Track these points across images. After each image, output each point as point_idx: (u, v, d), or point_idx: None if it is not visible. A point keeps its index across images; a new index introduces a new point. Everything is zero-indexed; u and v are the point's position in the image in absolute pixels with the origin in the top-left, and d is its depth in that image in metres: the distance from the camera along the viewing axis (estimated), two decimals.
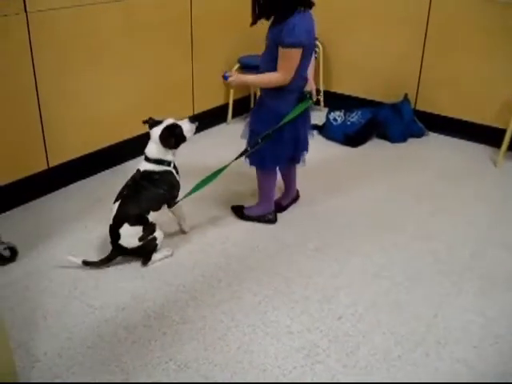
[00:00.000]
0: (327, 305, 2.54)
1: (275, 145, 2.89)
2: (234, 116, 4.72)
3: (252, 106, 5.00)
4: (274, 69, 2.78)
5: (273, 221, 3.19)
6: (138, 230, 2.71)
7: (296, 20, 2.66)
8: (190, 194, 2.88)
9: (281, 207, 3.30)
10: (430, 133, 4.55)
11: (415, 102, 4.59)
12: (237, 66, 4.52)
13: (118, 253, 2.76)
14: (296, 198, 3.40)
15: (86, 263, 2.72)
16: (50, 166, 3.41)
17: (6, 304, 2.44)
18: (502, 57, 4.09)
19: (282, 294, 2.60)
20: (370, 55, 4.69)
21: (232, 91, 4.61)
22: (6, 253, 2.76)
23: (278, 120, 2.85)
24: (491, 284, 2.72)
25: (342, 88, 4.98)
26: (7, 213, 3.21)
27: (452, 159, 4.12)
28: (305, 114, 2.94)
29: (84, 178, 3.64)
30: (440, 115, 4.50)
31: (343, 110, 4.44)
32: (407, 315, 2.48)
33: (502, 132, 4.04)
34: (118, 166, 3.83)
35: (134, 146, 3.91)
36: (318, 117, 4.60)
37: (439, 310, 2.52)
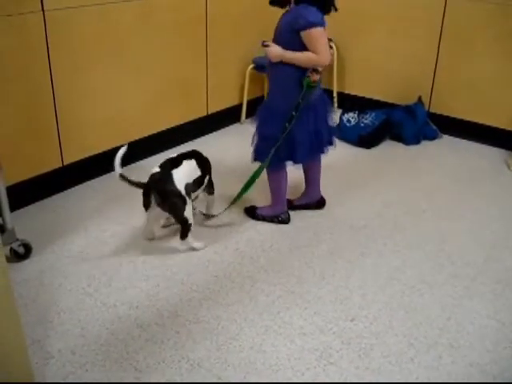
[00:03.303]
0: (340, 306, 2.54)
1: (263, 141, 2.95)
2: (247, 116, 4.72)
3: None
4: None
5: (286, 221, 3.19)
6: (195, 171, 2.87)
7: (310, 7, 2.67)
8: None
9: (291, 205, 3.29)
10: (443, 135, 4.54)
11: (429, 105, 4.57)
12: (251, 66, 4.53)
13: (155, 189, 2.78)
14: (318, 205, 3.35)
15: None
16: (65, 163, 3.43)
17: (20, 301, 2.46)
18: None
19: (295, 295, 2.60)
20: (383, 57, 4.68)
21: (246, 91, 4.61)
22: (21, 250, 2.78)
23: (281, 118, 2.85)
24: (505, 288, 2.70)
25: (355, 89, 4.97)
26: (22, 210, 3.23)
27: (466, 162, 4.11)
28: (303, 116, 2.88)
29: (98, 177, 3.65)
30: (454, 118, 4.49)
31: (357, 112, 4.43)
32: (420, 318, 2.48)
33: None
34: (133, 165, 3.83)
35: (149, 145, 3.95)
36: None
37: (452, 313, 2.51)
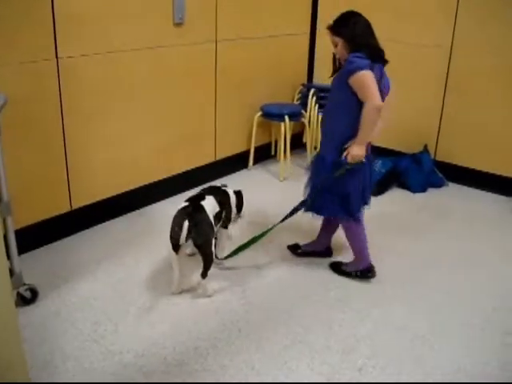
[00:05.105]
0: (348, 356, 2.51)
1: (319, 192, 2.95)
2: (255, 162, 4.77)
3: (273, 153, 5.06)
4: (339, 114, 2.84)
5: (372, 275, 3.13)
6: (215, 207, 2.95)
7: (357, 54, 2.72)
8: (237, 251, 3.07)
9: (296, 248, 3.35)
10: (449, 183, 4.55)
11: (435, 153, 4.61)
12: (259, 113, 4.59)
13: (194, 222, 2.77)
14: (324, 253, 3.35)
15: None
16: (73, 208, 3.45)
17: (26, 345, 2.42)
18: None
19: (303, 344, 2.58)
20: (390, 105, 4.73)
21: (254, 138, 4.67)
22: (27, 294, 2.78)
23: (328, 169, 2.88)
24: None
25: None
26: (29, 253, 3.23)
27: (472, 210, 4.11)
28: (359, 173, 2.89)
29: (107, 221, 3.67)
30: (460, 166, 4.51)
31: None
32: (429, 368, 2.44)
33: None
34: (141, 209, 3.86)
35: (157, 191, 3.97)
36: None
37: (462, 363, 2.48)
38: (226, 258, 3.11)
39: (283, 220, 3.11)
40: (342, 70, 2.81)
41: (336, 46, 2.83)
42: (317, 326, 2.72)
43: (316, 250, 3.35)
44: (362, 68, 2.67)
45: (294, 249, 3.36)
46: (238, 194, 3.33)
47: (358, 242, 3.11)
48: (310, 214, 3.08)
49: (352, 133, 2.79)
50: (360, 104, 2.73)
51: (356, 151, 2.78)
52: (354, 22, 2.79)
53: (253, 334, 2.64)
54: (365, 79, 2.67)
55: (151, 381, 2.31)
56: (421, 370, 2.43)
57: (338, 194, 2.91)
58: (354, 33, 2.76)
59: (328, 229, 3.29)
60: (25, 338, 2.49)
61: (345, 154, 2.80)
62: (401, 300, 2.96)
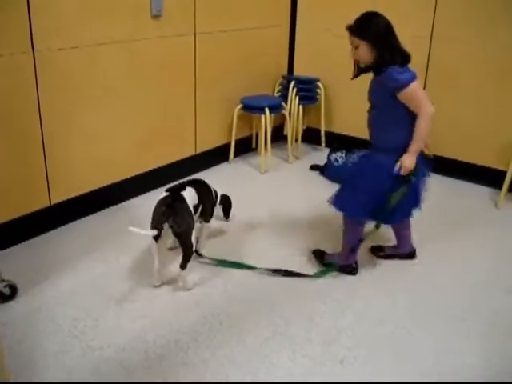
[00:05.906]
0: (329, 347, 2.51)
1: (355, 192, 2.90)
2: (235, 155, 4.76)
3: (254, 146, 5.05)
4: (390, 125, 2.81)
5: (354, 273, 3.11)
6: (195, 199, 2.93)
7: (395, 67, 2.69)
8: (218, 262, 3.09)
9: (379, 250, 3.31)
10: (431, 174, 4.56)
11: None
12: (239, 106, 4.57)
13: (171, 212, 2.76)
14: (407, 256, 3.28)
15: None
16: (53, 203, 3.42)
17: (5, 342, 2.41)
18: (501, 98, 4.17)
19: (284, 337, 2.58)
20: None
21: (234, 131, 4.65)
22: (6, 291, 2.75)
23: (384, 173, 2.83)
24: (495, 329, 2.69)
25: (343, 128, 5.02)
26: (8, 250, 3.20)
27: (453, 200, 4.14)
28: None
29: (86, 216, 3.65)
30: (440, 156, 4.52)
31: (344, 151, 4.46)
32: (410, 359, 2.46)
33: (503, 173, 4.07)
34: (121, 204, 3.84)
35: (137, 184, 3.95)
36: (319, 157, 4.65)
37: (442, 353, 2.50)
38: (209, 258, 3.11)
39: (276, 271, 3.06)
40: (383, 82, 2.73)
41: (356, 47, 2.76)
42: (298, 317, 2.73)
43: (398, 254, 3.29)
44: (407, 82, 2.64)
45: (377, 251, 3.29)
46: (225, 198, 3.33)
47: (351, 239, 3.07)
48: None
49: (405, 140, 2.75)
50: (410, 112, 2.71)
51: (409, 163, 2.75)
52: (375, 23, 2.72)
53: (234, 326, 2.64)
54: (416, 91, 2.67)
55: (132, 375, 2.30)
56: (401, 362, 2.44)
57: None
58: (378, 35, 2.70)
59: (400, 230, 3.23)
60: (5, 334, 2.48)
61: (397, 166, 2.76)
62: (382, 292, 2.97)
